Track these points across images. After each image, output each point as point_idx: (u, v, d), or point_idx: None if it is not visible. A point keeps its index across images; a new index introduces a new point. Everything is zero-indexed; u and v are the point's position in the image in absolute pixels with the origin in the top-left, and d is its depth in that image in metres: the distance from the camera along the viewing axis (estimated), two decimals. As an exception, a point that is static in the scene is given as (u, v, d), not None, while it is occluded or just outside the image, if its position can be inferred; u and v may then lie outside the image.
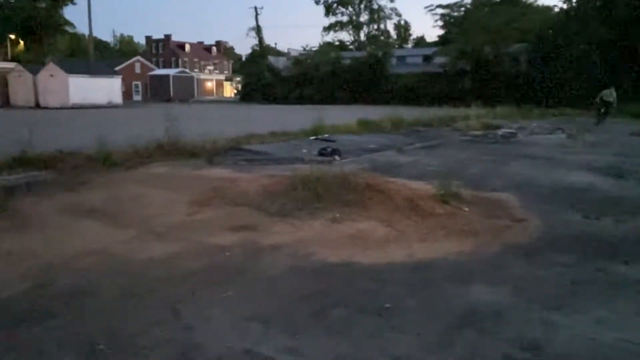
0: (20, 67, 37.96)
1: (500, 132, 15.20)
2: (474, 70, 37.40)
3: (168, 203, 5.95)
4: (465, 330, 3.00)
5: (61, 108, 32.12)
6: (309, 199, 5.72)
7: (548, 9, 41.46)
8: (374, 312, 3.22)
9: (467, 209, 5.70)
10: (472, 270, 3.94)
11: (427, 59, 45.98)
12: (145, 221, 5.21)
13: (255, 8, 55.05)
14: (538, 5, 41.63)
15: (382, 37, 72.77)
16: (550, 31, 35.33)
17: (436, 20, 46.20)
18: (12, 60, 47.79)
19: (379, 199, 5.79)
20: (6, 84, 37.35)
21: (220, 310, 3.24)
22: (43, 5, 66.23)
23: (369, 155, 10.48)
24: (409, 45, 71.04)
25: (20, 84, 36.76)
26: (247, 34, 64.11)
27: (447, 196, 5.90)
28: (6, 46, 59.91)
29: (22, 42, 64.18)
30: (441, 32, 48.42)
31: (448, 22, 43.87)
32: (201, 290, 3.53)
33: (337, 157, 9.68)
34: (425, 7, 61.78)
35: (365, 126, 15.85)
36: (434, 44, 51.87)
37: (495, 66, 36.74)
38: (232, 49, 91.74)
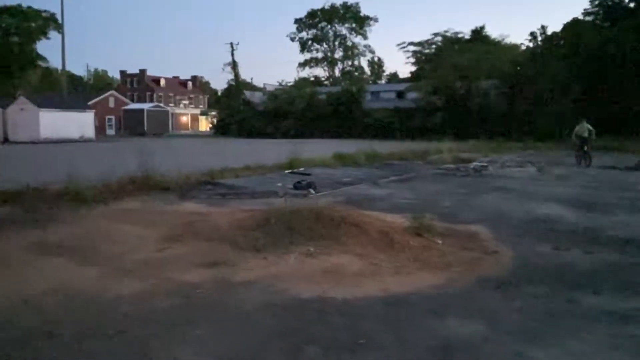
0: (-11, 102, 37.28)
1: (472, 165, 15.51)
2: (446, 105, 38.33)
3: (138, 239, 5.81)
4: (440, 365, 2.96)
5: (31, 142, 31.51)
6: (283, 233, 5.67)
7: (516, 46, 43.20)
8: (348, 348, 3.16)
9: (440, 242, 5.73)
10: (446, 304, 3.93)
11: (400, 94, 47.02)
12: (115, 258, 5.07)
13: (232, 44, 55.63)
14: (506, 43, 43.32)
15: (356, 73, 74.37)
16: (518, 68, 36.70)
17: (408, 57, 47.31)
18: (-18, 94, 46.99)
19: (354, 232, 5.78)
20: (-26, 119, 36.56)
21: (191, 350, 3.13)
22: (16, 39, 65.82)
23: (344, 189, 10.52)
24: (383, 81, 72.65)
25: (-10, 119, 36.02)
26: (223, 69, 64.41)
27: (421, 229, 5.94)
28: (-25, 80, 58.96)
29: (-8, 76, 63.26)
30: (413, 68, 49.74)
31: (420, 58, 45.12)
32: (171, 329, 3.42)
33: (312, 191, 9.68)
34: (398, 45, 63.57)
35: (341, 160, 15.97)
36: (407, 79, 53.18)
37: (466, 101, 37.77)
38: (207, 83, 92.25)
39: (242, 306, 3.87)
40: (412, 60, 46.00)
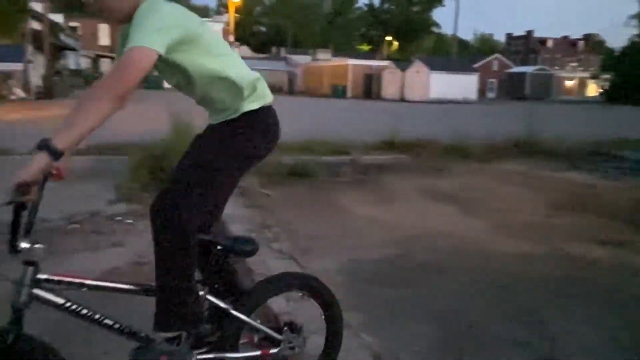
0: (392, 65, 43.39)
1: None
2: None
3: (521, 201, 5.67)
4: None
5: (421, 102, 35.12)
6: None
7: None
8: None
9: None
10: None
11: None
12: (499, 215, 5.08)
13: (642, -6, 46.92)
14: None
15: None
16: None
17: None
18: (387, 59, 55.18)
19: None
20: (380, 80, 43.34)
21: (589, 327, 2.80)
22: (416, 8, 73.79)
23: None
24: None
25: (391, 80, 41.99)
26: (625, 24, 55.31)
27: None
28: (383, 47, 69.57)
29: (396, 43, 73.27)
30: None
31: None
32: (561, 300, 3.15)
33: None
34: None
35: None
36: None
37: None
38: (602, 42, 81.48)
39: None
40: None
